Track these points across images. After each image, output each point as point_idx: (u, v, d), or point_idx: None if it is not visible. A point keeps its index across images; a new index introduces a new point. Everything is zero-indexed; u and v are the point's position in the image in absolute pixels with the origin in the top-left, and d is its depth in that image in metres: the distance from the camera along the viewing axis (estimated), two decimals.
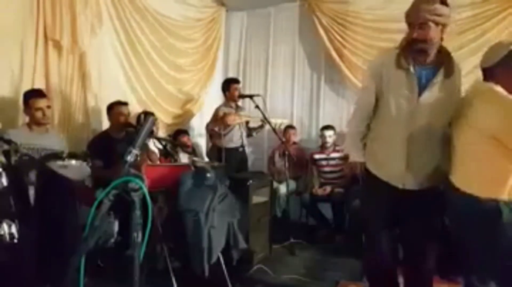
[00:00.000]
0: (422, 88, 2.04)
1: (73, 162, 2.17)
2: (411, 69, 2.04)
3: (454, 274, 3.16)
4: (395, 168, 2.12)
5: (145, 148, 3.21)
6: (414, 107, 2.05)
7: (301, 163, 4.73)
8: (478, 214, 1.82)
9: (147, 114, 3.56)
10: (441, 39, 2.05)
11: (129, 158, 1.04)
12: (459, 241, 2.03)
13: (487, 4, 4.17)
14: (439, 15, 1.96)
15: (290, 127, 4.88)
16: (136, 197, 1.01)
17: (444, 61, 2.05)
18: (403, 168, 2.10)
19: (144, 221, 1.02)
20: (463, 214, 1.92)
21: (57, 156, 2.20)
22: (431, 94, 2.03)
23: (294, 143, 4.87)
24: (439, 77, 2.03)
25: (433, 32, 1.96)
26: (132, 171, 1.04)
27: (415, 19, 1.98)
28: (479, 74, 4.46)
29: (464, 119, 1.93)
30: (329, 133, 4.57)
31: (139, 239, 1.01)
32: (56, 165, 2.10)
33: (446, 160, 2.04)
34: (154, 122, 1.11)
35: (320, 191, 4.43)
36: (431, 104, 2.02)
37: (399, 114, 2.08)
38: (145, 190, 1.01)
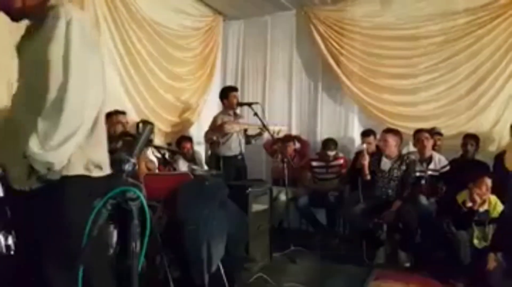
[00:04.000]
0: None
1: None
2: None
3: (454, 279, 3.16)
4: None
5: (142, 157, 3.20)
6: None
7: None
8: None
9: (145, 123, 3.56)
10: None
11: (127, 167, 1.04)
12: None
13: (481, 11, 4.21)
14: None
15: (287, 139, 4.85)
16: (133, 206, 1.00)
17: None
18: None
19: (143, 230, 1.01)
20: None
21: None
22: None
23: (295, 150, 4.86)
24: None
25: None
26: (130, 180, 1.04)
27: None
28: (474, 82, 4.54)
29: None
30: (331, 152, 4.56)
31: (137, 249, 1.01)
32: None
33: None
34: (152, 131, 1.11)
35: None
36: None
37: None
38: (143, 199, 1.01)
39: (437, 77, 4.44)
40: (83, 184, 1.48)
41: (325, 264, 3.71)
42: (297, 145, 4.90)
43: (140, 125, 3.69)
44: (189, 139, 4.62)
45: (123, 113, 3.56)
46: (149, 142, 2.83)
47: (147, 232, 1.01)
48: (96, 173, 1.54)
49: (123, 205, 0.98)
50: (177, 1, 4.82)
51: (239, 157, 4.49)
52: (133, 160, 1.07)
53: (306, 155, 4.83)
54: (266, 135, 4.50)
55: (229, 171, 4.17)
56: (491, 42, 4.19)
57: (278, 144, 4.50)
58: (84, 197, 1.37)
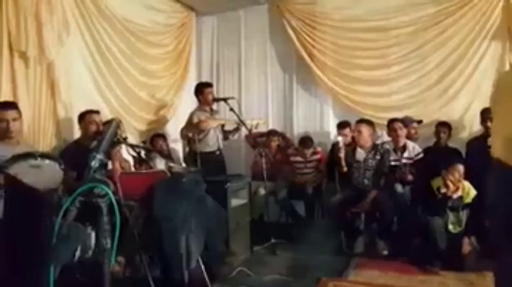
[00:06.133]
0: None
1: (47, 161, 2.11)
2: None
3: (430, 264, 3.25)
4: None
5: (116, 155, 3.15)
6: None
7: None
8: None
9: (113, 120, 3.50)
10: None
11: (94, 163, 1.03)
12: None
13: (448, 1, 4.31)
14: None
15: (273, 134, 4.85)
16: (102, 203, 0.99)
17: None
18: None
19: (114, 227, 1.00)
20: None
21: (30, 154, 2.14)
22: None
23: (278, 145, 4.85)
24: None
25: None
26: (98, 177, 1.02)
27: None
28: (443, 70, 4.66)
29: None
30: (308, 150, 4.54)
31: (108, 245, 1.00)
32: (28, 164, 2.03)
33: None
34: (118, 126, 1.09)
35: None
36: None
37: None
38: (112, 195, 1.00)
39: (408, 67, 4.53)
40: None
41: (305, 255, 3.75)
42: (281, 141, 4.89)
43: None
44: (162, 137, 4.58)
45: (97, 112, 3.50)
46: (123, 140, 2.79)
47: (117, 226, 1.00)
48: None
49: (92, 202, 0.97)
50: None
51: (217, 152, 4.48)
52: (99, 156, 1.05)
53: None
54: (244, 130, 4.50)
55: (208, 167, 4.14)
56: (459, 31, 4.29)
57: (263, 138, 4.49)
58: None
